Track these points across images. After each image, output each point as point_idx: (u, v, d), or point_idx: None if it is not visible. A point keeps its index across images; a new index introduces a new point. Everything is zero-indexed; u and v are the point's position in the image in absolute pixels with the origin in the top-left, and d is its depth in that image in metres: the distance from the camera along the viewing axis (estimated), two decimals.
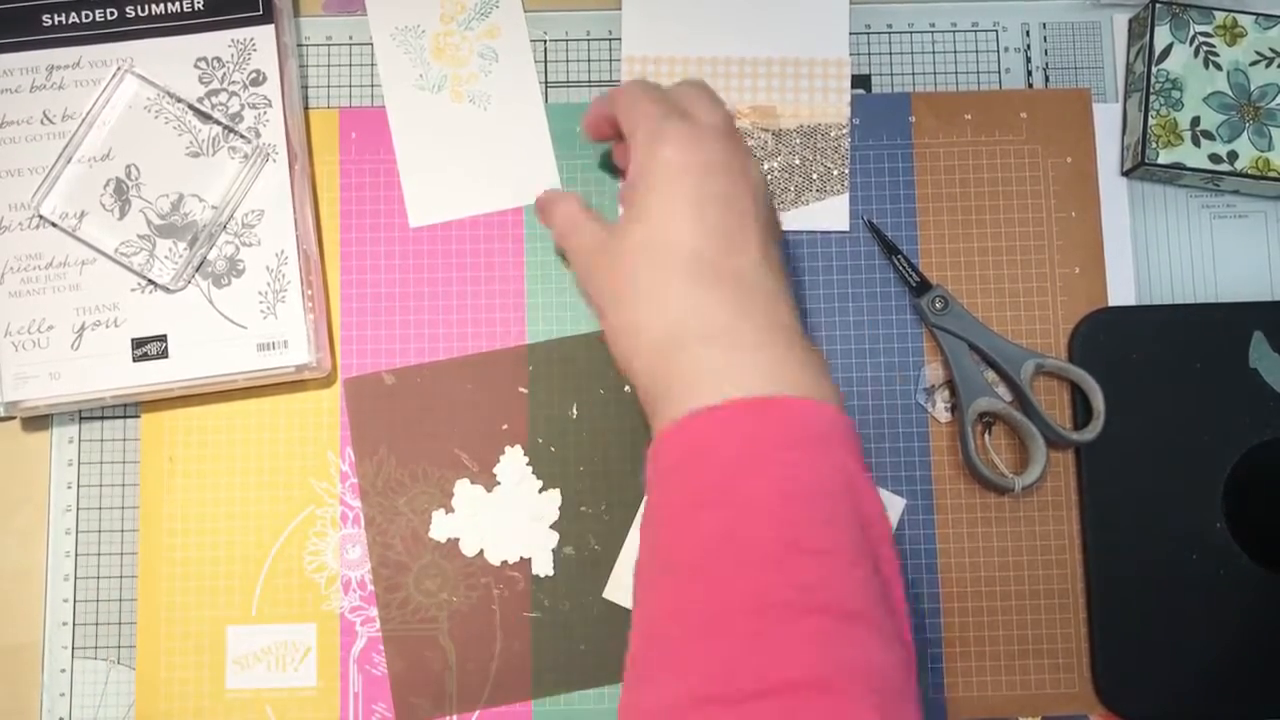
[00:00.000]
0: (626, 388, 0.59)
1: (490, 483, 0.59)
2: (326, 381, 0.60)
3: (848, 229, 0.61)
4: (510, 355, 0.60)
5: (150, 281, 0.58)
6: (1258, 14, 0.60)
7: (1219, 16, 0.60)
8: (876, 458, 0.59)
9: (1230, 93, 0.59)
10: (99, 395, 0.57)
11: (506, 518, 0.59)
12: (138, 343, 0.58)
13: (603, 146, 0.61)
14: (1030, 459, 0.58)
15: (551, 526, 0.59)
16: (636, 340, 0.48)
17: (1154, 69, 0.60)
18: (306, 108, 0.62)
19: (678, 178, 0.48)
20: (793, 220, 0.61)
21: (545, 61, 0.63)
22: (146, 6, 0.60)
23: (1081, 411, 0.59)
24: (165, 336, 0.58)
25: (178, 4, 0.60)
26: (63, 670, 0.58)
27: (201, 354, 0.57)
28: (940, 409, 0.60)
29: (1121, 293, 0.61)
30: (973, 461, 0.58)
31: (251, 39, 0.59)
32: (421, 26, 0.62)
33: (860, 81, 0.62)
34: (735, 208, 0.48)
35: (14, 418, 0.59)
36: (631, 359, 0.48)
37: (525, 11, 0.63)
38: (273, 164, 0.59)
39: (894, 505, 0.59)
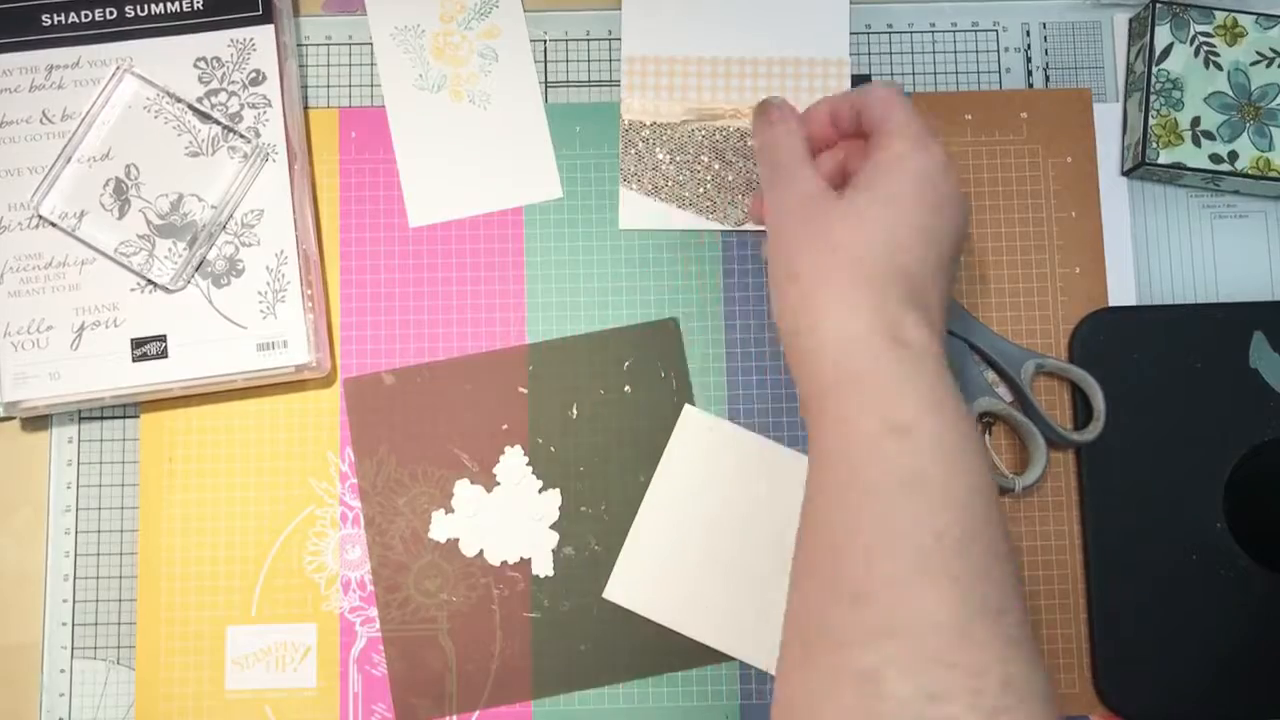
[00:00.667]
0: (627, 388, 0.59)
1: (490, 483, 0.59)
2: (326, 381, 0.60)
3: None
4: (510, 355, 0.60)
5: (150, 281, 0.58)
6: (1258, 14, 0.60)
7: (1219, 16, 0.60)
8: None
9: (1230, 93, 0.59)
10: (99, 395, 0.57)
11: (506, 518, 0.59)
12: (137, 343, 0.57)
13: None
14: (1030, 459, 0.58)
15: (551, 526, 0.59)
16: (818, 314, 0.46)
17: (1154, 69, 0.60)
18: (306, 108, 0.62)
19: (934, 183, 0.47)
20: None
21: (545, 61, 0.63)
22: (146, 6, 0.60)
23: (1081, 411, 0.59)
24: (165, 336, 0.58)
25: (177, 4, 0.60)
26: (62, 670, 0.58)
27: (201, 354, 0.57)
28: None
29: (1121, 293, 0.61)
30: None
31: (251, 39, 0.59)
32: (421, 26, 0.62)
33: (860, 81, 0.62)
34: (950, 246, 0.48)
35: (14, 418, 0.59)
36: (796, 305, 0.47)
37: (525, 11, 0.63)
38: (272, 164, 0.59)
39: None
